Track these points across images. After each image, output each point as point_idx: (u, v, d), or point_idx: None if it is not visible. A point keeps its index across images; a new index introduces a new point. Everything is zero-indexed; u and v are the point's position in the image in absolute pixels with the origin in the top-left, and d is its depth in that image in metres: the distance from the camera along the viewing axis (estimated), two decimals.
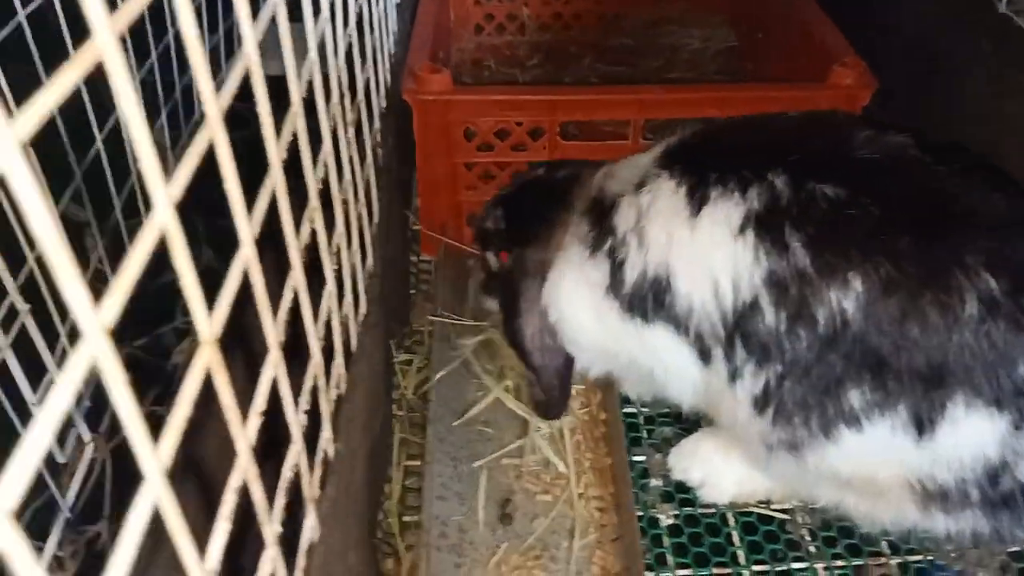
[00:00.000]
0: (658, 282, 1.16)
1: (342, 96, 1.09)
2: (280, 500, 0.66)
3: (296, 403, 0.74)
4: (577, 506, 1.35)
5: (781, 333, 1.05)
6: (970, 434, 1.02)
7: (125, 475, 1.35)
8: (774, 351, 1.07)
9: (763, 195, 1.07)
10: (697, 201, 1.12)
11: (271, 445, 0.69)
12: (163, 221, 0.39)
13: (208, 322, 0.48)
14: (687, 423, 1.45)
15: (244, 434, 0.57)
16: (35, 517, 1.22)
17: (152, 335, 1.49)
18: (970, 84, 1.61)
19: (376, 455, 1.24)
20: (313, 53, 0.89)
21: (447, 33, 2.26)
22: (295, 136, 0.72)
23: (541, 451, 1.43)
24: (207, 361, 0.49)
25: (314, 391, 0.84)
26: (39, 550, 1.23)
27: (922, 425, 1.02)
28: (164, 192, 0.39)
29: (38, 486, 1.26)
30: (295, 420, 0.73)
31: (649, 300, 1.18)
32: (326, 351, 0.92)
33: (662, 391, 1.32)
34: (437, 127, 1.64)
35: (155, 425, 0.40)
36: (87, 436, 1.38)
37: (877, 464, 1.09)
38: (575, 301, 1.27)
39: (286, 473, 0.72)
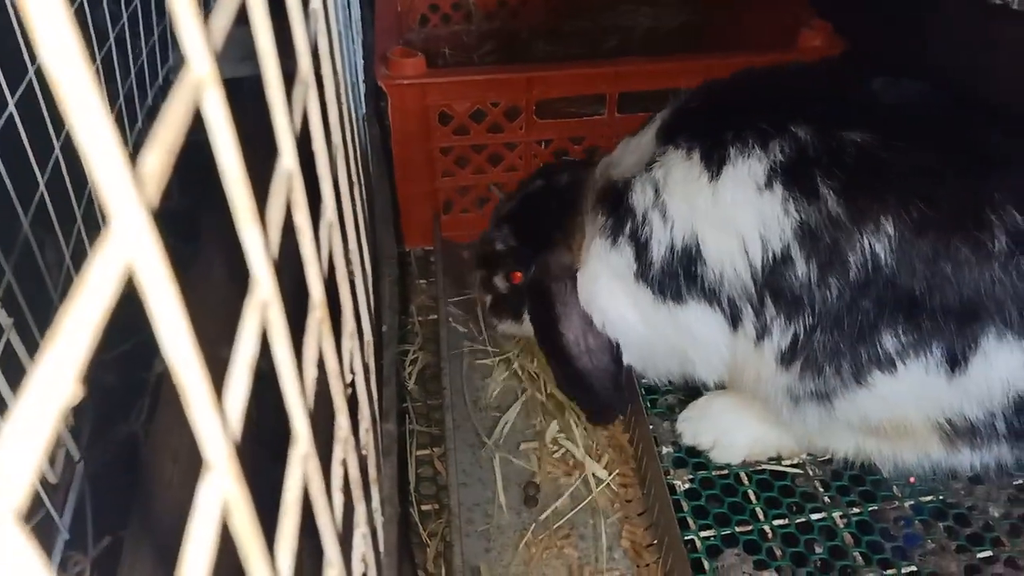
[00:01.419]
0: (688, 255, 1.15)
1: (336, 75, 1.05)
2: (371, 473, 0.63)
3: (344, 376, 0.71)
4: (600, 484, 1.34)
5: (813, 283, 1.06)
6: (1001, 367, 1.04)
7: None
8: (805, 303, 1.07)
9: (787, 147, 1.07)
10: (716, 163, 1.12)
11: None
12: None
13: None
14: (689, 389, 1.45)
15: (304, 408, 0.49)
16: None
17: (134, 342, 1.42)
18: (933, 37, 1.66)
19: (402, 442, 1.21)
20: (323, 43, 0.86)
21: (399, 23, 2.22)
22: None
23: (556, 433, 1.41)
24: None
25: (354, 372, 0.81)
26: None
27: (956, 362, 1.04)
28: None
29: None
30: (363, 394, 0.70)
31: (680, 276, 1.17)
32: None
33: (691, 371, 1.31)
34: (413, 112, 1.61)
35: None
36: (76, 454, 1.31)
37: (907, 405, 1.11)
38: (612, 297, 1.25)
39: (359, 449, 0.69)
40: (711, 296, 1.16)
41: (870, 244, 1.03)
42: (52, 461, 1.28)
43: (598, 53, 2.29)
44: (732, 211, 1.10)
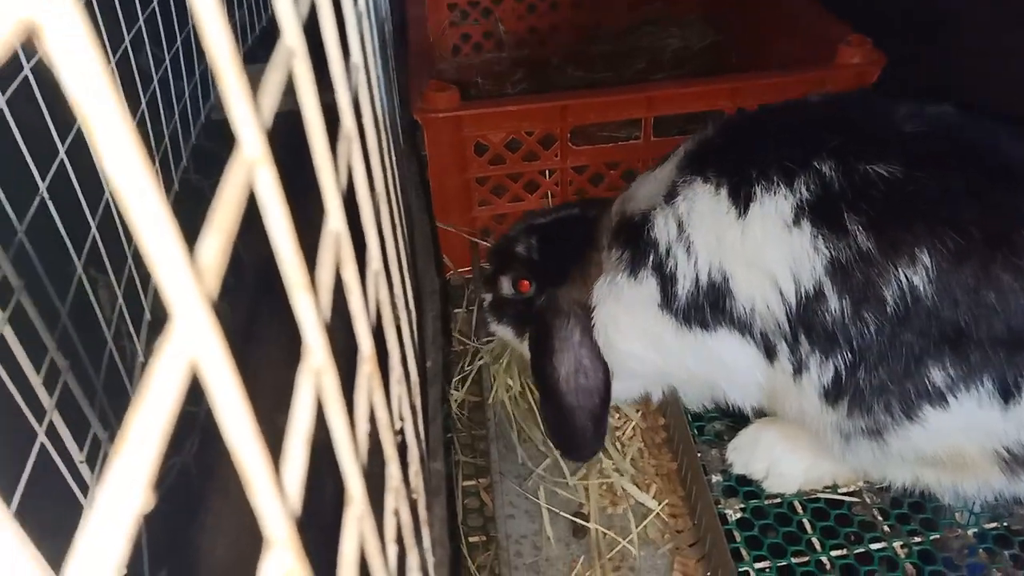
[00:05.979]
0: (715, 288, 1.15)
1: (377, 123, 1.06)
2: (422, 516, 0.63)
3: (394, 421, 0.71)
4: (649, 515, 1.32)
5: (847, 319, 1.04)
6: None
7: None
8: (840, 339, 1.06)
9: (812, 183, 1.07)
10: (743, 200, 1.11)
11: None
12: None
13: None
14: (736, 416, 1.43)
15: (358, 469, 0.49)
16: None
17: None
18: (968, 47, 1.63)
19: (449, 475, 1.20)
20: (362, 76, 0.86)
21: (431, 56, 2.24)
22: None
23: (604, 463, 1.40)
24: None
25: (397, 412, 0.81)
26: None
27: (1008, 393, 1.01)
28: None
29: None
30: (412, 438, 0.70)
31: (707, 309, 1.16)
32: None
33: (723, 397, 1.30)
34: (449, 144, 1.62)
35: None
36: None
37: (961, 437, 1.08)
38: (626, 331, 1.25)
39: (410, 494, 0.69)
40: (742, 327, 1.15)
41: (906, 277, 1.01)
42: None
43: (627, 75, 2.30)
44: (762, 249, 1.10)
